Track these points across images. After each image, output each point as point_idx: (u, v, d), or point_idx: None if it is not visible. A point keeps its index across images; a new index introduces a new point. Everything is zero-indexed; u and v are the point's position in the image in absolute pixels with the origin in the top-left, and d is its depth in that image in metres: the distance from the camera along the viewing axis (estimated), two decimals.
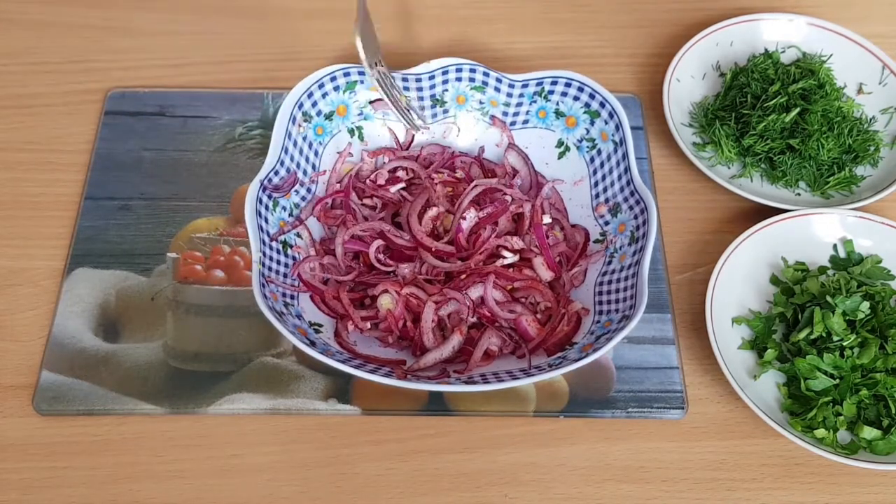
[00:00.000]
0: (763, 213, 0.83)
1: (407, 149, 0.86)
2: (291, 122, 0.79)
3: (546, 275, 0.78)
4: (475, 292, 0.76)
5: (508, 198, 0.80)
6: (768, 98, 0.87)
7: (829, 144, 0.85)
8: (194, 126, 0.90)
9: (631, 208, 0.77)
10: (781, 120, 0.85)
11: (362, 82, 0.83)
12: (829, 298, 0.74)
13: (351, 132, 0.85)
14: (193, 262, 0.82)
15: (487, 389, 0.68)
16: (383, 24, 0.99)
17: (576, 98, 0.83)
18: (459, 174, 0.84)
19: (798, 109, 0.85)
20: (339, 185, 0.84)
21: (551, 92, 0.83)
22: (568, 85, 0.82)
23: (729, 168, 0.88)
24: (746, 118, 0.87)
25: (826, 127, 0.86)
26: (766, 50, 0.94)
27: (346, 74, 0.82)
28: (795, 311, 0.77)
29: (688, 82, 0.93)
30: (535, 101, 0.84)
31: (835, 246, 0.83)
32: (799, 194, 0.87)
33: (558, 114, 0.84)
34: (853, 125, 0.88)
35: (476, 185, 0.80)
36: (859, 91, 0.93)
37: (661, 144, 0.91)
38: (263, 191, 0.76)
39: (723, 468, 0.74)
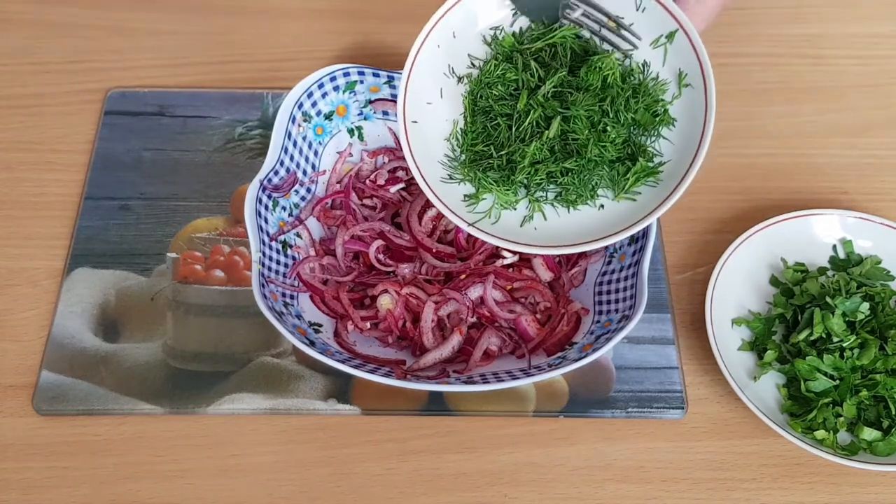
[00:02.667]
0: (762, 213, 0.83)
1: None
2: (291, 122, 0.79)
3: (545, 275, 0.78)
4: (475, 292, 0.76)
5: None
6: (521, 119, 0.70)
7: (612, 137, 0.69)
8: (194, 126, 0.90)
9: None
10: (546, 140, 0.69)
11: (362, 82, 0.83)
12: (828, 299, 0.74)
13: (351, 132, 0.85)
14: (193, 262, 0.82)
15: (487, 389, 0.68)
16: (383, 24, 0.99)
17: None
18: None
19: (559, 120, 0.69)
20: (339, 185, 0.84)
21: None
22: None
23: (515, 209, 0.72)
24: (509, 152, 0.71)
25: (599, 120, 0.69)
26: (493, 47, 0.74)
27: (346, 74, 0.82)
28: (795, 312, 0.77)
29: (426, 111, 0.73)
30: None
31: (834, 247, 0.82)
32: (602, 206, 0.72)
33: None
34: (626, 92, 0.70)
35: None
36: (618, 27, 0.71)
37: None
38: (263, 191, 0.76)
39: (723, 468, 0.74)
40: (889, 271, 0.80)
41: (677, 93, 0.71)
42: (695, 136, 0.69)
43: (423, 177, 0.71)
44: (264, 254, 0.74)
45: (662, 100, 0.71)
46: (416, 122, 0.73)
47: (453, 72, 0.74)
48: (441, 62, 0.74)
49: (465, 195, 0.73)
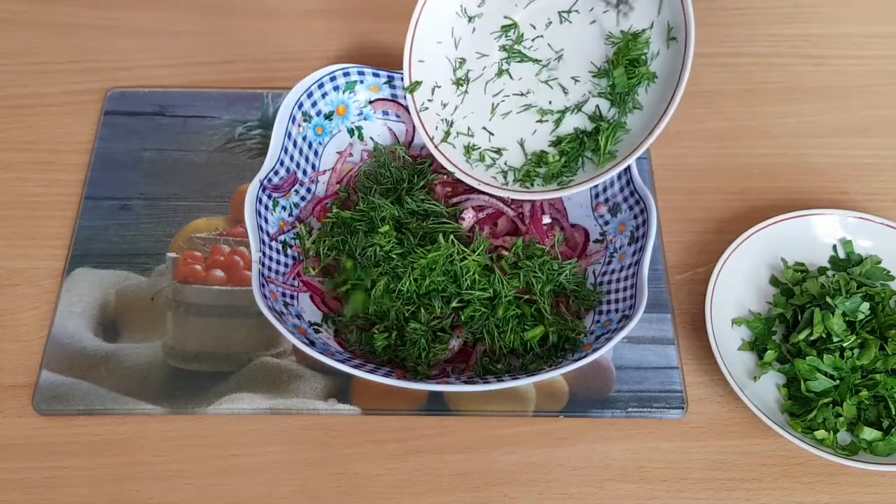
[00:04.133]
0: (762, 213, 0.83)
1: (407, 148, 0.86)
2: (291, 122, 0.80)
3: None
4: None
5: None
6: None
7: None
8: (194, 126, 0.90)
9: (631, 208, 0.77)
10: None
11: (362, 82, 0.83)
12: (828, 299, 0.74)
13: (351, 132, 0.85)
14: (193, 262, 0.82)
15: (487, 389, 0.68)
16: (383, 24, 0.99)
17: None
18: None
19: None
20: (339, 185, 0.84)
21: None
22: None
23: None
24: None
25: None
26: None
27: (346, 74, 0.82)
28: (795, 312, 0.77)
29: (435, 50, 0.76)
30: None
31: (834, 247, 0.83)
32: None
33: None
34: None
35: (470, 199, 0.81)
36: None
37: (660, 145, 0.91)
38: (263, 190, 0.76)
39: (722, 468, 0.74)
40: (889, 271, 0.80)
41: (660, 49, 0.73)
42: (674, 76, 0.71)
43: (424, 128, 0.77)
44: (264, 254, 0.74)
45: (644, 54, 0.73)
46: (422, 61, 0.76)
47: (465, 12, 0.77)
48: (453, 2, 0.77)
49: (465, 146, 0.79)
